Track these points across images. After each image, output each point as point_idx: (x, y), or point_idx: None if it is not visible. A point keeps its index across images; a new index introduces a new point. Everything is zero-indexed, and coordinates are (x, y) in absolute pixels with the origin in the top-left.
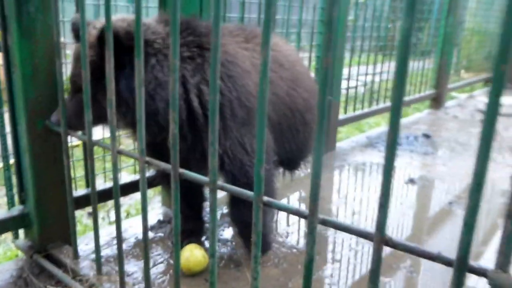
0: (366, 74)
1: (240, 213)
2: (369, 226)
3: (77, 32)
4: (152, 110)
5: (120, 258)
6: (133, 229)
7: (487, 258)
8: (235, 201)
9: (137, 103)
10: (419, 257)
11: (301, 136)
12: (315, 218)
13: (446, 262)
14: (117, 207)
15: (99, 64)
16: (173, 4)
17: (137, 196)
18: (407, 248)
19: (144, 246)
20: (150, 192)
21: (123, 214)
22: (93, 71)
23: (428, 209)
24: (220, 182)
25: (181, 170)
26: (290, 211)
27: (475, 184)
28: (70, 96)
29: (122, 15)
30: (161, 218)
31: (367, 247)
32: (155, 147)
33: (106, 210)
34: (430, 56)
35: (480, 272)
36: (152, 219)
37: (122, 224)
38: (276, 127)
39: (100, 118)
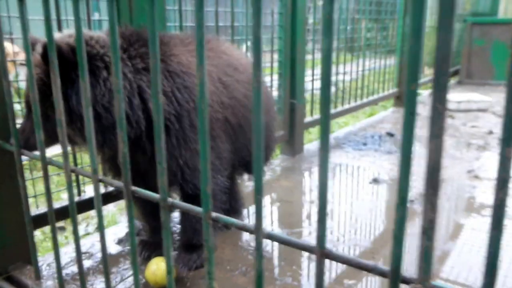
0: (335, 74)
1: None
2: (336, 230)
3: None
4: (110, 124)
5: (81, 278)
6: (98, 244)
7: (454, 256)
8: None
9: (85, 123)
10: (357, 269)
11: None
12: (261, 233)
13: (381, 273)
14: (75, 225)
15: (46, 82)
16: (111, 19)
17: (109, 207)
18: (346, 260)
19: (104, 266)
20: (119, 204)
21: (93, 227)
22: (42, 89)
23: (392, 208)
24: (171, 199)
25: (134, 188)
26: (236, 226)
27: (400, 198)
28: (26, 116)
29: (69, 31)
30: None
31: None
32: (115, 164)
33: (79, 223)
34: (394, 54)
35: (412, 282)
36: (121, 232)
37: (90, 238)
38: (236, 130)
39: (55, 136)
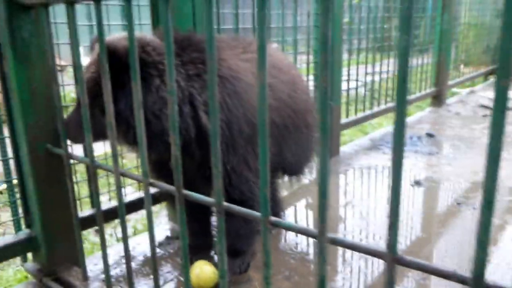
0: (366, 74)
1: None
2: (378, 233)
3: None
4: (158, 130)
5: (129, 279)
6: (141, 246)
7: (497, 262)
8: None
9: (137, 126)
10: (433, 275)
11: (304, 138)
12: (325, 238)
13: (461, 280)
14: (124, 228)
15: (99, 82)
16: (165, 24)
17: (143, 211)
18: (420, 266)
19: (153, 267)
20: (157, 207)
21: (130, 230)
22: (94, 89)
23: (436, 211)
24: (226, 203)
25: (186, 192)
26: (299, 231)
27: (486, 201)
28: (75, 108)
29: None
30: (169, 234)
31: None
32: (162, 165)
33: (113, 227)
34: (428, 53)
35: None
36: (160, 235)
37: (130, 242)
38: (282, 131)
39: (100, 135)
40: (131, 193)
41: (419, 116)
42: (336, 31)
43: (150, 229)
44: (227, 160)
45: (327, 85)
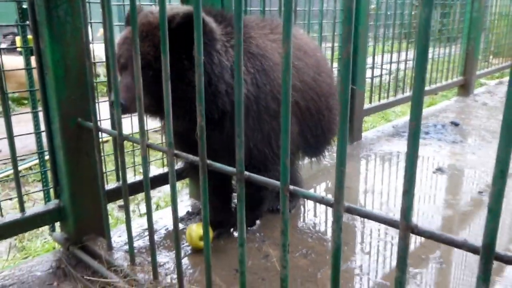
0: (391, 62)
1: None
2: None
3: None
4: (213, 92)
5: (152, 249)
6: (163, 220)
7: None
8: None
9: (164, 96)
10: (445, 244)
11: (326, 121)
12: (341, 206)
13: (472, 249)
14: (148, 198)
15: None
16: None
17: (165, 189)
18: (433, 235)
19: (175, 238)
20: (178, 184)
21: (152, 206)
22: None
23: (458, 198)
24: (247, 172)
25: (209, 162)
26: (315, 199)
27: (498, 170)
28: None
29: (170, 6)
30: (190, 210)
31: (396, 237)
32: (184, 141)
33: (136, 203)
34: (456, 42)
35: (508, 260)
36: (181, 211)
37: (153, 216)
38: (305, 113)
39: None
40: (154, 170)
41: (444, 105)
42: (362, 17)
43: (173, 199)
44: (252, 135)
45: (349, 57)
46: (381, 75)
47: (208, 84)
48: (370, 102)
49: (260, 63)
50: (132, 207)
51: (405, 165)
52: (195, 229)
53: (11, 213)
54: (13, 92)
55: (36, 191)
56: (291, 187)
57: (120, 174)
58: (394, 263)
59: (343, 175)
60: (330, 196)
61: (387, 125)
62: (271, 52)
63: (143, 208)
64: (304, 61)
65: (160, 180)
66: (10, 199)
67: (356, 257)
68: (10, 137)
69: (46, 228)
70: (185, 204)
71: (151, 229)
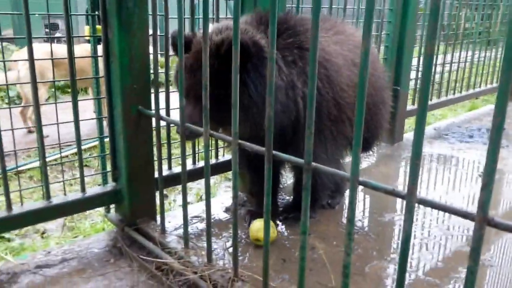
0: (436, 64)
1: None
2: (439, 218)
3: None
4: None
5: (208, 233)
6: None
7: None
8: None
9: (233, 91)
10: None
11: (379, 114)
12: (414, 198)
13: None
14: (208, 186)
15: (219, 70)
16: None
17: (213, 178)
18: (509, 227)
19: (234, 223)
20: (217, 177)
21: (194, 198)
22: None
23: (503, 204)
24: (314, 163)
25: (275, 152)
26: (385, 191)
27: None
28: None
29: (217, 25)
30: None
31: (457, 229)
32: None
33: (177, 192)
34: (498, 45)
35: None
36: (227, 202)
37: (199, 205)
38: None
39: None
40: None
41: (488, 109)
42: (410, 16)
43: (234, 186)
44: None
45: (432, 53)
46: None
47: (258, 108)
48: (413, 103)
49: (324, 69)
50: (172, 196)
51: (486, 160)
52: (255, 223)
53: (73, 193)
54: (65, 80)
55: (92, 174)
56: (361, 178)
57: (181, 160)
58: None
59: (418, 167)
60: (400, 188)
61: (428, 128)
62: (335, 56)
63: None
64: None
65: (199, 174)
66: (59, 182)
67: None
68: (77, 121)
69: (92, 211)
70: (231, 194)
71: (208, 215)
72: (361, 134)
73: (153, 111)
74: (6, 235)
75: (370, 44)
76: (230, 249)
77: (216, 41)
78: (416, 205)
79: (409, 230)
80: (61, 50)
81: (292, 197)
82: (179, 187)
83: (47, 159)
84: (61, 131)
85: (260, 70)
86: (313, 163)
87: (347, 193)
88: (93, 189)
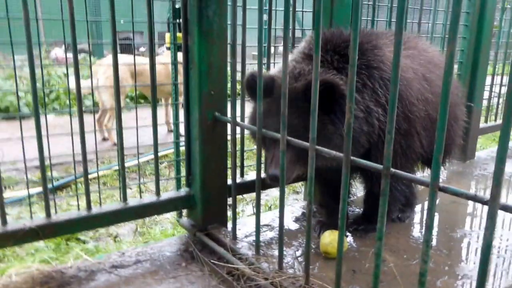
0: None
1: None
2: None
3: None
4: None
5: (280, 240)
6: (278, 220)
7: None
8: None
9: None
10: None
11: (451, 130)
12: (497, 204)
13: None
14: (282, 194)
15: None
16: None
17: (272, 192)
18: None
19: (307, 229)
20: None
21: (264, 208)
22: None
23: None
24: (393, 169)
25: (353, 158)
26: (467, 196)
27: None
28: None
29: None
30: (305, 211)
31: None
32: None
33: (245, 203)
34: None
35: None
36: (297, 211)
37: (268, 214)
38: (434, 124)
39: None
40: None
41: None
42: (486, 32)
43: (310, 192)
44: (379, 156)
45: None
46: (499, 94)
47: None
48: (486, 121)
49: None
50: (240, 207)
51: None
52: (325, 235)
53: (148, 196)
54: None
55: (166, 179)
56: (441, 184)
57: (256, 167)
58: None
59: (502, 173)
60: (482, 194)
61: None
62: (406, 70)
63: (250, 209)
64: (435, 73)
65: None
66: (130, 188)
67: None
68: (155, 129)
69: (162, 218)
70: (299, 205)
71: (281, 221)
72: (443, 140)
73: (229, 117)
74: (82, 237)
75: (455, 48)
76: (300, 258)
77: (300, 87)
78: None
79: (490, 238)
80: (138, 61)
81: (362, 209)
82: (246, 197)
83: (127, 166)
84: (129, 140)
85: (344, 108)
86: (392, 169)
87: (417, 208)
88: (167, 194)
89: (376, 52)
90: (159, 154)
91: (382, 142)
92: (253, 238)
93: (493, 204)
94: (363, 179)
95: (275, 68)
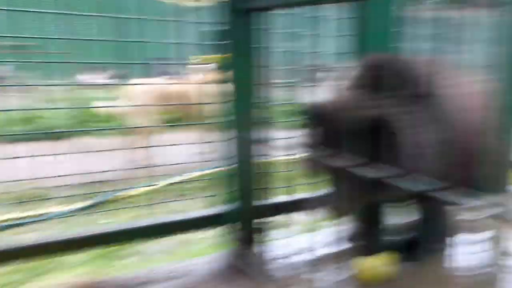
0: None
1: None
2: None
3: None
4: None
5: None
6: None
7: None
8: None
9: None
10: None
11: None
12: None
13: None
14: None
15: None
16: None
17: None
18: None
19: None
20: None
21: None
22: None
23: None
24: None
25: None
26: None
27: None
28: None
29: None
30: (349, 234)
31: None
32: None
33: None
34: None
35: None
36: (330, 237)
37: (306, 237)
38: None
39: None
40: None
41: None
42: None
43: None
44: None
45: None
46: None
47: None
48: None
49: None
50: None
51: None
52: (366, 260)
53: (192, 212)
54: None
55: (210, 196)
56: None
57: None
58: None
59: None
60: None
61: None
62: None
63: (285, 232)
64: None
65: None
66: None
67: None
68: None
69: (203, 236)
70: (333, 230)
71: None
72: None
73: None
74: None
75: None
76: (341, 283)
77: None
78: None
79: None
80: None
81: (411, 235)
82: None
83: (158, 186)
84: (164, 159)
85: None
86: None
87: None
88: (210, 209)
89: (435, 80)
90: (194, 174)
91: None
92: (292, 261)
93: None
94: (420, 202)
95: (329, 96)
